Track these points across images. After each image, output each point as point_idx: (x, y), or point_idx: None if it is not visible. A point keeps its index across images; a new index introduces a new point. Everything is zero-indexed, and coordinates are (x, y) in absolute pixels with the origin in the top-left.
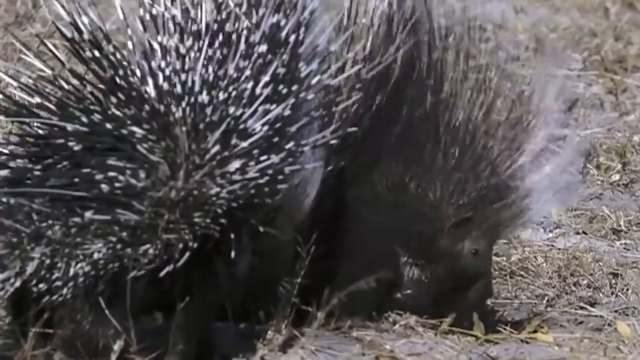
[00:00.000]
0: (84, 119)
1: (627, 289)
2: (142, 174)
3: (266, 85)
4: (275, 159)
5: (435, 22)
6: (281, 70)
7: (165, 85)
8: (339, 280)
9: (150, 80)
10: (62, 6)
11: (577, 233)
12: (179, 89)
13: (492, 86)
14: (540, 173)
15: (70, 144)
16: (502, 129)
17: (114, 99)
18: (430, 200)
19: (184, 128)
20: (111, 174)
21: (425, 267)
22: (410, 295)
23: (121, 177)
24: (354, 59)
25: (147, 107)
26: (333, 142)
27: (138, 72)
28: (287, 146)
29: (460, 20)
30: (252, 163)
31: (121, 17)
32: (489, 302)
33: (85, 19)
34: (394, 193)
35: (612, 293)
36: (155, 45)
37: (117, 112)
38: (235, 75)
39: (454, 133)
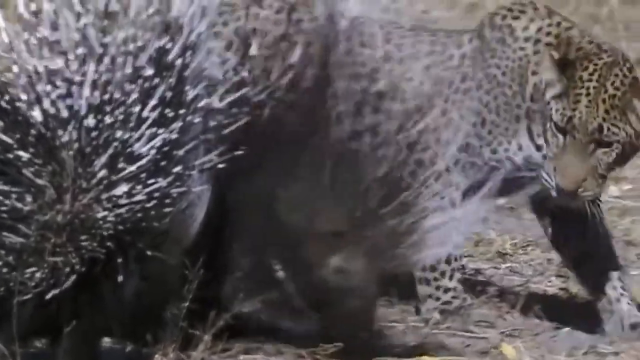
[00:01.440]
0: None
1: (515, 312)
2: (29, 198)
3: (153, 108)
4: (162, 182)
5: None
6: (168, 94)
7: (51, 110)
8: (227, 301)
9: (36, 105)
10: None
11: (464, 256)
12: (65, 113)
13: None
14: (443, 215)
15: None
16: (396, 148)
17: None
18: (304, 210)
19: (70, 152)
20: None
21: (291, 275)
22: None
23: (7, 201)
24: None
25: (33, 131)
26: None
27: (24, 97)
28: (175, 169)
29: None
30: (140, 186)
31: (6, 40)
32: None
33: None
34: (271, 204)
35: (499, 316)
36: (41, 69)
37: (3, 137)
38: (121, 99)
39: (340, 147)
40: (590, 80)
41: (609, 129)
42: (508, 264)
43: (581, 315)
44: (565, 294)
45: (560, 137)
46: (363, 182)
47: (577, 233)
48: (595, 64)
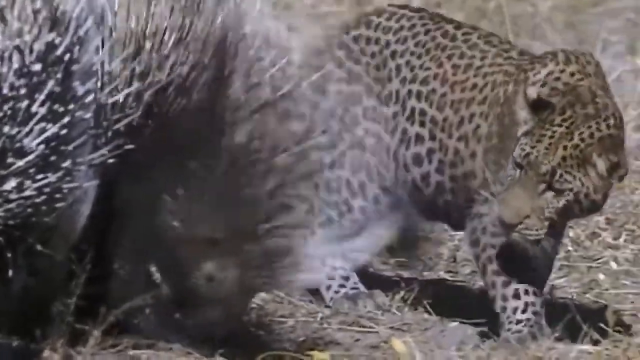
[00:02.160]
0: None
1: (404, 307)
2: None
3: (42, 104)
4: (52, 177)
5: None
6: (56, 89)
7: None
8: (116, 298)
9: None
10: None
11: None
12: None
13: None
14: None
15: None
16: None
17: None
18: (185, 213)
19: None
20: None
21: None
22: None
23: None
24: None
25: None
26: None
27: None
28: (64, 165)
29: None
30: (29, 182)
31: None
32: (267, 320)
33: None
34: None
35: (389, 310)
36: None
37: None
38: (9, 94)
39: (232, 152)
40: (560, 126)
41: (561, 176)
42: (396, 259)
43: (471, 310)
44: (455, 288)
45: (517, 171)
46: (251, 192)
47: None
48: (575, 112)
